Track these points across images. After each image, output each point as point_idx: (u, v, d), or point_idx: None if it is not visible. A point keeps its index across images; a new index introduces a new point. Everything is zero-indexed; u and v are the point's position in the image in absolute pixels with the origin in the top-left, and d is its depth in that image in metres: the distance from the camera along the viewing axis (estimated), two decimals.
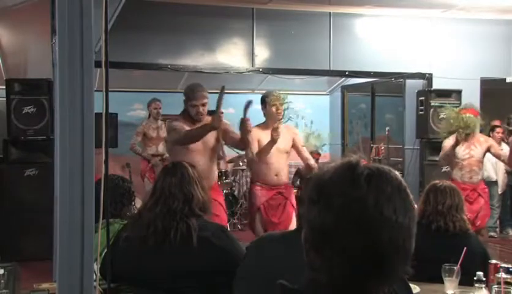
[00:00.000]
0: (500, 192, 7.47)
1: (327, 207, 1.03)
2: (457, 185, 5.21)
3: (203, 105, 4.18)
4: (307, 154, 4.83)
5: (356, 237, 1.00)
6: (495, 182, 7.33)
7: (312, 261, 1.06)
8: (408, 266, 1.06)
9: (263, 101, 4.67)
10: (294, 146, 4.77)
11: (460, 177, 5.27)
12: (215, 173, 4.46)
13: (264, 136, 4.55)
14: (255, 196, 4.71)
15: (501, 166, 7.12)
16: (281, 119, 4.59)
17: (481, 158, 5.33)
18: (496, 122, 7.10)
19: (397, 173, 1.09)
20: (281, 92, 4.68)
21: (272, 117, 4.59)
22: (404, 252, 1.03)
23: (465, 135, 5.16)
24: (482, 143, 5.32)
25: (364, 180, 1.02)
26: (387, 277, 1.04)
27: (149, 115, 7.42)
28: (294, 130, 4.97)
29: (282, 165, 4.72)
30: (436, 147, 6.89)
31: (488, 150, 5.32)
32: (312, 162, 4.78)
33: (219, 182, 7.87)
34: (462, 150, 5.28)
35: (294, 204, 4.38)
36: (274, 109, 4.59)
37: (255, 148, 4.51)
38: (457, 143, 5.20)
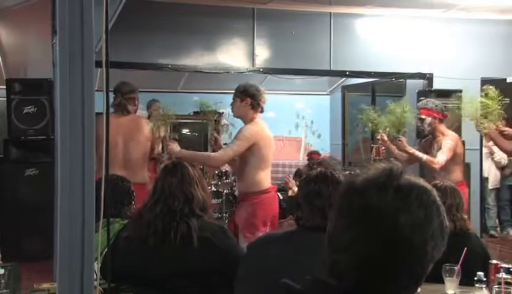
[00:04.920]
0: (490, 187, 7.37)
1: (348, 206, 1.04)
2: None
3: None
4: None
5: (363, 241, 1.00)
6: (487, 179, 7.27)
7: (324, 254, 1.06)
8: (416, 287, 1.04)
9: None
10: None
11: None
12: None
13: None
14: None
15: (492, 163, 7.14)
16: None
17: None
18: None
19: (435, 193, 1.05)
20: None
21: None
22: (410, 272, 1.02)
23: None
24: (439, 142, 4.77)
25: (392, 190, 1.01)
26: (389, 290, 1.03)
27: (149, 116, 7.41)
28: None
29: None
30: None
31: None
32: None
33: (219, 182, 7.89)
34: None
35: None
36: None
37: None
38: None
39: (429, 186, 1.07)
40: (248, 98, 4.11)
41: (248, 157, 4.08)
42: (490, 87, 4.91)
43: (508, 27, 7.24)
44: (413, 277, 1.03)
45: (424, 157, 4.67)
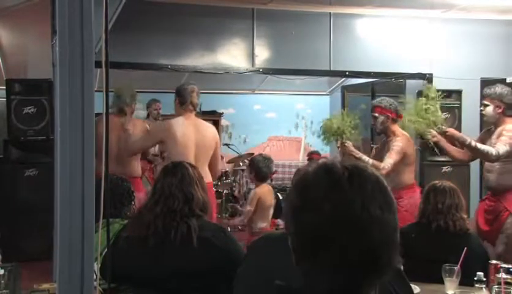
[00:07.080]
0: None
1: (317, 213, 1.02)
2: None
3: None
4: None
5: (349, 239, 1.01)
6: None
7: (306, 269, 1.06)
8: (398, 256, 1.07)
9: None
10: None
11: None
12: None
13: None
14: None
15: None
16: None
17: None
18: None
19: (373, 169, 1.09)
20: None
21: None
22: (394, 245, 1.05)
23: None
24: (389, 143, 4.57)
25: (346, 182, 1.03)
26: (383, 271, 1.05)
27: (148, 115, 7.42)
28: None
29: None
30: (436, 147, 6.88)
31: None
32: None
33: (219, 183, 7.90)
34: None
35: None
36: None
37: None
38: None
39: (360, 163, 1.09)
40: (177, 97, 4.45)
41: (166, 153, 4.52)
42: (429, 85, 4.84)
43: (507, 27, 7.24)
44: (396, 247, 1.05)
45: (370, 161, 4.40)
